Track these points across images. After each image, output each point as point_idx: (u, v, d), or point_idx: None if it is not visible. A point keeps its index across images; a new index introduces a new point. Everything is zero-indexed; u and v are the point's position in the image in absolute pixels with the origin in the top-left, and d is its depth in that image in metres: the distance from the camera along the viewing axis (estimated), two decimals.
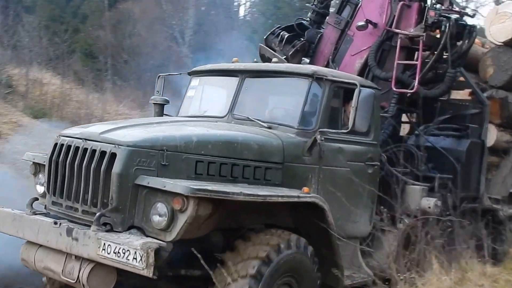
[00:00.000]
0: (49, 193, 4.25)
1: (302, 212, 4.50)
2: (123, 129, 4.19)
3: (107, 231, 3.76)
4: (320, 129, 4.69)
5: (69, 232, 3.80)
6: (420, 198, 5.50)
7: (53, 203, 4.21)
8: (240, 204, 3.97)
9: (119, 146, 3.86)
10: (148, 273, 3.46)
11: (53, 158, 4.16)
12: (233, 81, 5.07)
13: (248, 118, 4.81)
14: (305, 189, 4.34)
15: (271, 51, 6.65)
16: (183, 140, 4.08)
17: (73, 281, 3.81)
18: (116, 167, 3.81)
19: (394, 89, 5.90)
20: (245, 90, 5.01)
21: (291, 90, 5.09)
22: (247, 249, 4.00)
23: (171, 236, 3.72)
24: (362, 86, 4.70)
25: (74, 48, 18.99)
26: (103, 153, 3.89)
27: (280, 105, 5.29)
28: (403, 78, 5.90)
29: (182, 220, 3.67)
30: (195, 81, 5.58)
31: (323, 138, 4.63)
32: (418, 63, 5.84)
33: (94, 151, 3.92)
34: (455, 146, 6.10)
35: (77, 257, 3.80)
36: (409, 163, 5.81)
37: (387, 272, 4.94)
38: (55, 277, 4.07)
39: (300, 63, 6.51)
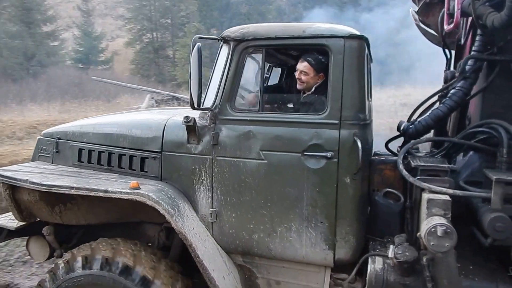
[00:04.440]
0: None
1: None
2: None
3: None
4: (215, 108, 3.70)
5: None
6: (424, 217, 3.16)
7: None
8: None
9: None
10: None
11: None
12: None
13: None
14: (133, 183, 3.61)
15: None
16: (72, 129, 4.40)
17: None
18: None
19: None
20: None
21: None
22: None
23: None
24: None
25: None
26: None
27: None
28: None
29: None
30: None
31: (210, 119, 3.70)
32: None
33: None
34: None
35: None
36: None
37: None
38: None
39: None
